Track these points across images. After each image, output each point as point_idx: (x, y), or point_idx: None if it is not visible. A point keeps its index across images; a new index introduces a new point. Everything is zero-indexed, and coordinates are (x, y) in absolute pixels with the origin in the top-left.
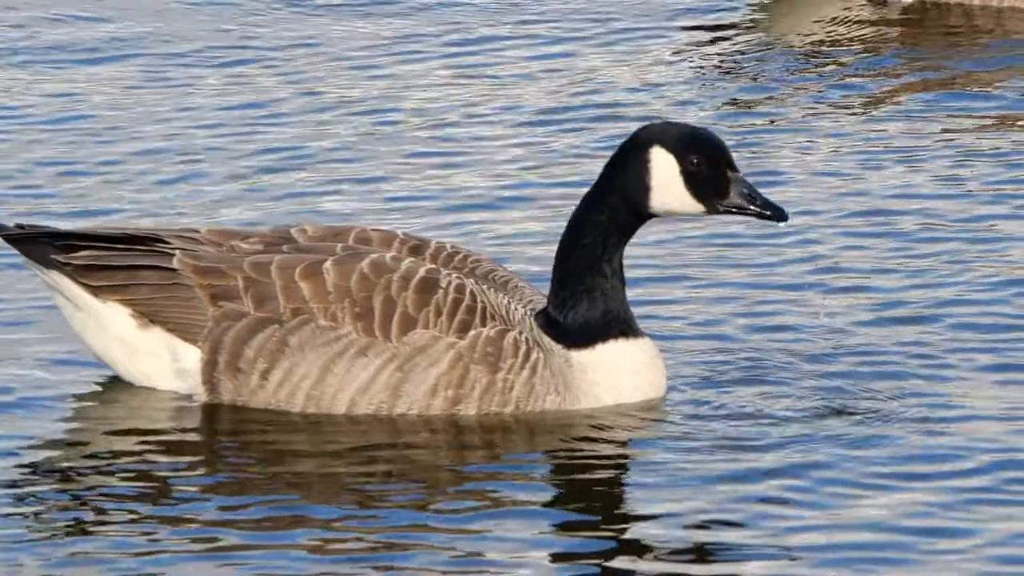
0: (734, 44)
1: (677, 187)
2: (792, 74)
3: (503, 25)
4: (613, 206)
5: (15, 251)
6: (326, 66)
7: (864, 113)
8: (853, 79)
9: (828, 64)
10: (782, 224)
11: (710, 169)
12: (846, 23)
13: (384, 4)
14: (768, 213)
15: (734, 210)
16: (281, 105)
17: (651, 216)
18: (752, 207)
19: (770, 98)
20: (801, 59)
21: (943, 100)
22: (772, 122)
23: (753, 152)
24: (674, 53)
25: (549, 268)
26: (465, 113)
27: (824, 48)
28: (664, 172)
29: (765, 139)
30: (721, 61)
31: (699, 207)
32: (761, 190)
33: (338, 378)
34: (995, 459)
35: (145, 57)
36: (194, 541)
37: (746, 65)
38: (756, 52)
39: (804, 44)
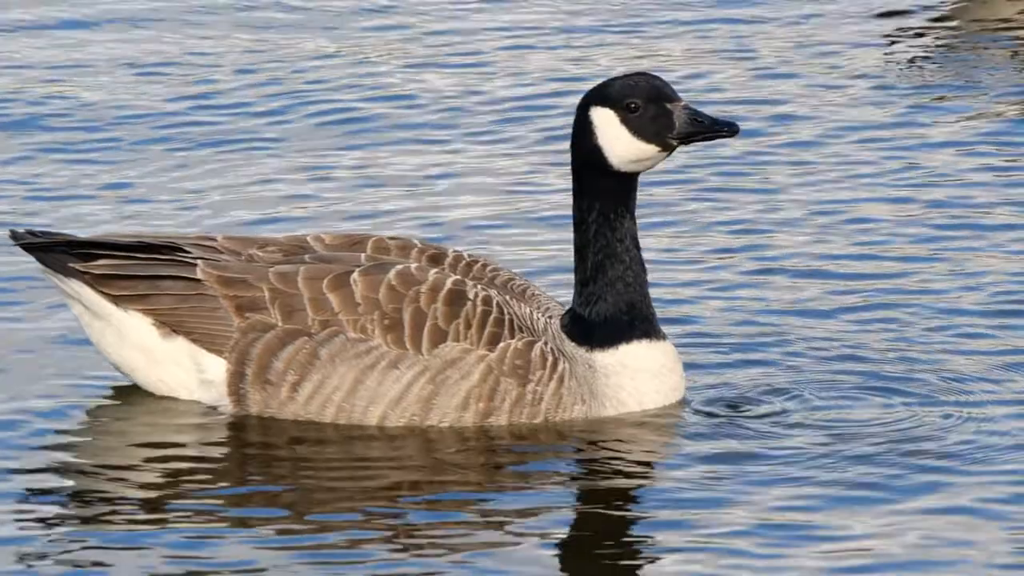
0: (921, 42)
1: (624, 137)
2: (984, 75)
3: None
4: (590, 183)
5: (27, 258)
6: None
7: None
8: None
9: (1014, 63)
10: (734, 136)
11: (650, 108)
12: None
13: None
14: (722, 130)
15: (687, 138)
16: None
17: (622, 174)
18: (702, 130)
19: (961, 97)
20: (991, 59)
21: None
22: (959, 122)
23: (940, 150)
24: (863, 48)
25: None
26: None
27: (1012, 47)
28: (606, 127)
29: (948, 139)
30: (909, 58)
31: (652, 148)
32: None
33: (370, 391)
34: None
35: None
36: (221, 552)
37: (933, 64)
38: (944, 51)
39: (993, 43)
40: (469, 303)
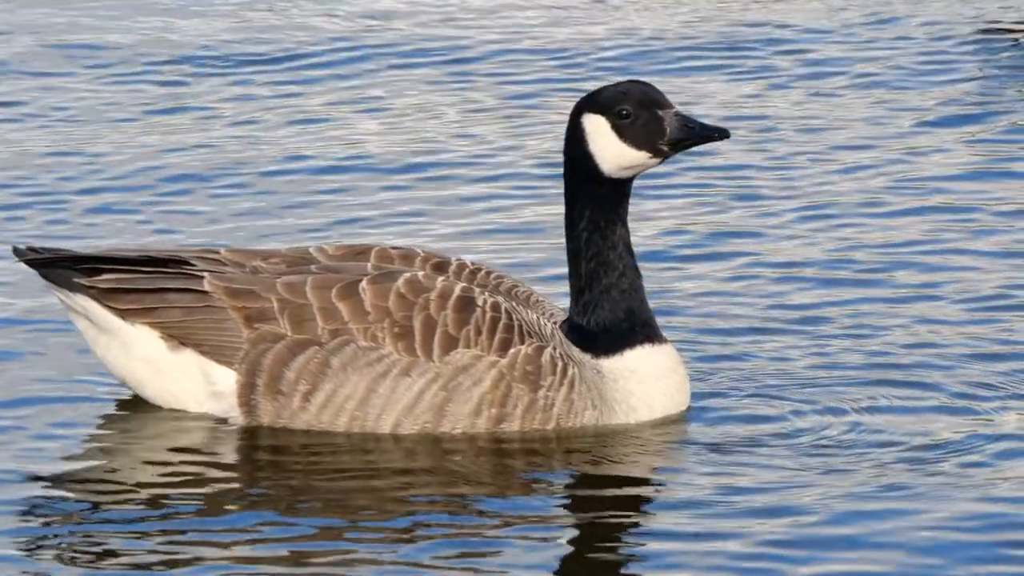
0: (913, 39)
1: (614, 144)
2: (977, 73)
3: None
4: (582, 189)
5: (27, 272)
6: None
7: None
8: None
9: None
10: (725, 140)
11: (641, 114)
12: None
13: None
14: (713, 136)
15: (678, 145)
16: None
17: (614, 181)
18: (693, 136)
19: (956, 94)
20: (986, 57)
21: None
22: None
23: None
24: (847, 45)
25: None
26: None
27: (998, 47)
28: (598, 134)
29: None
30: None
31: (644, 155)
32: None
33: (383, 399)
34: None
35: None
36: (232, 560)
37: (925, 62)
38: (936, 49)
39: (988, 43)
40: (478, 310)
